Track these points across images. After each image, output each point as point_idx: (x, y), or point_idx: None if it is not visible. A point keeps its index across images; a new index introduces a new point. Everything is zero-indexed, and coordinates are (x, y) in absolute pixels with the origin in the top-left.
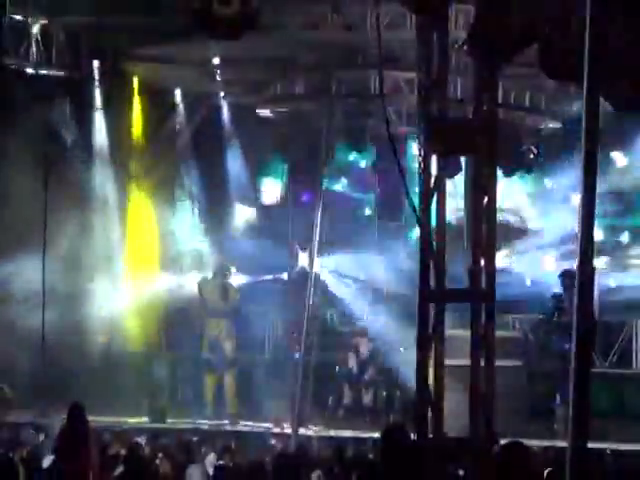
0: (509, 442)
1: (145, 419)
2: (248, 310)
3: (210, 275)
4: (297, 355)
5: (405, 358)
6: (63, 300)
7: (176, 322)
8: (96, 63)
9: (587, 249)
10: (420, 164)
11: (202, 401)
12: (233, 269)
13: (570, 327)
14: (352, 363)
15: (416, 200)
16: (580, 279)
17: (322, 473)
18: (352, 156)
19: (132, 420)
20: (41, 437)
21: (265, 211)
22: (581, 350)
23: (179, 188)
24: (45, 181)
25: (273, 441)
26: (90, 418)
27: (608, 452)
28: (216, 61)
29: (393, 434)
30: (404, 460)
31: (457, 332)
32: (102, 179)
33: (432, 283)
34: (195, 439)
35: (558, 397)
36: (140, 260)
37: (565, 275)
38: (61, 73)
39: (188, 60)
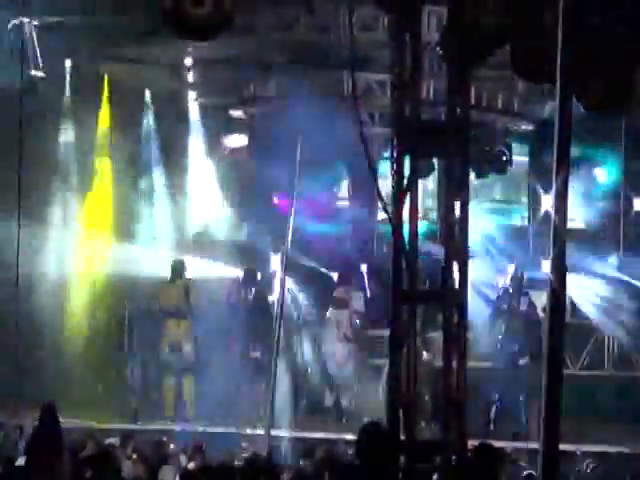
0: (479, 444)
1: (117, 420)
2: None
3: (169, 276)
4: (252, 356)
5: None
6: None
7: (142, 321)
8: (68, 62)
9: (559, 251)
10: (393, 165)
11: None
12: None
13: (513, 327)
14: (331, 369)
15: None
16: (553, 282)
17: (293, 474)
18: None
19: (104, 421)
20: (14, 437)
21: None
22: (552, 353)
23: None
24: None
25: (244, 443)
26: (62, 419)
27: (578, 454)
28: (188, 62)
29: (369, 433)
30: (380, 459)
31: None
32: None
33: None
34: (165, 439)
35: (496, 396)
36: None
37: (512, 278)
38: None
39: (159, 61)
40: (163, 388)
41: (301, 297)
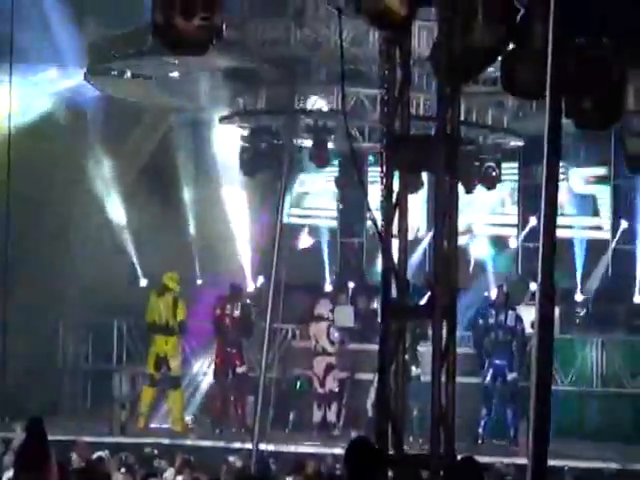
0: (462, 458)
1: (107, 433)
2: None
3: (158, 290)
4: (239, 370)
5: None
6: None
7: (132, 334)
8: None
9: (548, 266)
10: (382, 180)
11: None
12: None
13: (501, 343)
14: (315, 384)
15: (378, 216)
16: (541, 295)
17: None
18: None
19: (94, 434)
20: (0, 452)
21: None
22: (541, 368)
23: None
24: None
25: (232, 458)
26: (50, 432)
27: (566, 469)
28: (177, 76)
29: (357, 448)
30: (368, 474)
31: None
32: None
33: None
34: (156, 452)
35: (484, 410)
36: None
37: (497, 290)
38: None
39: (149, 74)
40: (143, 403)
41: (287, 312)
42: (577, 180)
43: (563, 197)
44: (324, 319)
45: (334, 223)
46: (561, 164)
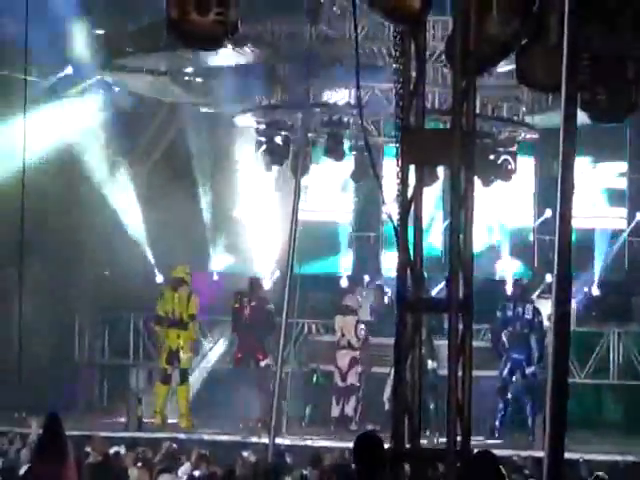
0: (478, 451)
1: (123, 428)
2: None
3: (170, 283)
4: (263, 364)
5: None
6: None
7: (152, 330)
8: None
9: (564, 257)
10: (398, 174)
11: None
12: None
13: (519, 336)
14: (336, 378)
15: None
16: (557, 288)
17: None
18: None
19: (110, 429)
20: (17, 447)
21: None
22: (558, 361)
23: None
24: None
25: (245, 453)
26: (67, 427)
27: (581, 461)
28: (191, 70)
29: (365, 443)
30: (377, 469)
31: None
32: None
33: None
34: (175, 446)
35: (501, 404)
36: None
37: (515, 284)
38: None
39: (164, 69)
40: (158, 401)
41: (307, 304)
42: (606, 174)
43: (593, 190)
44: (352, 313)
45: (336, 217)
46: (589, 158)
